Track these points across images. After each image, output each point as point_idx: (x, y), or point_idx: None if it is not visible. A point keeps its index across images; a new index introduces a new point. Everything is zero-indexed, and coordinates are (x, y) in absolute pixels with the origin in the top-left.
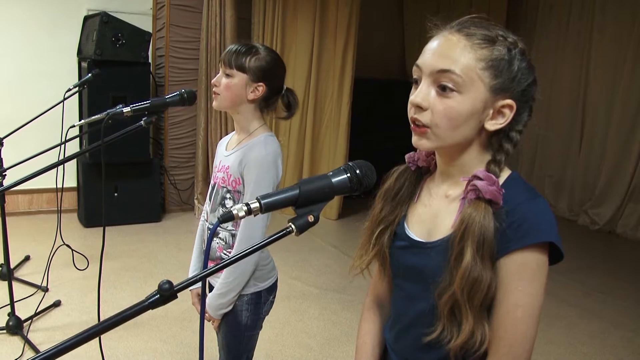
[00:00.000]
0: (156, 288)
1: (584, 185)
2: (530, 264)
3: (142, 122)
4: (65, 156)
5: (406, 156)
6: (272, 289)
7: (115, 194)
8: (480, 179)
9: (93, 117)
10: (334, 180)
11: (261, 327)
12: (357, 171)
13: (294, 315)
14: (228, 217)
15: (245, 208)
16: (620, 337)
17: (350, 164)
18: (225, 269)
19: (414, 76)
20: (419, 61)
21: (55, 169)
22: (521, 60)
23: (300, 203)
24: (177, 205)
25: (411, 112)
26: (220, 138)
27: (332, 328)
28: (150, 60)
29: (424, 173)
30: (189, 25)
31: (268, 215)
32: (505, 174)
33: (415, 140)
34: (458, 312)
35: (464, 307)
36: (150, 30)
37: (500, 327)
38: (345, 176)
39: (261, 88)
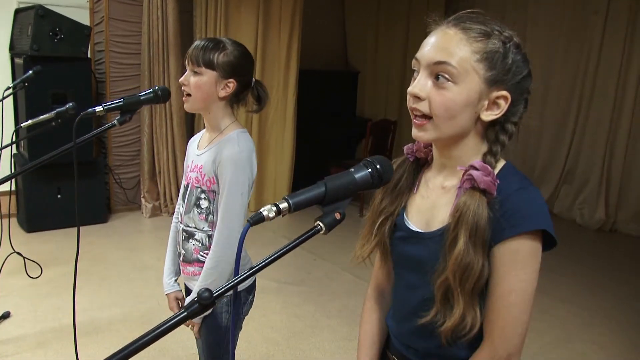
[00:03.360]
0: (110, 291)
1: (523, 170)
2: (523, 250)
3: (115, 121)
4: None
5: (405, 148)
6: (251, 288)
7: (59, 196)
8: (476, 169)
9: (41, 117)
10: (356, 176)
11: (241, 327)
12: (378, 166)
13: (257, 310)
14: (258, 219)
15: (274, 209)
16: (567, 311)
17: (369, 159)
18: (203, 272)
19: (414, 68)
20: (418, 54)
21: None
22: (516, 54)
23: (327, 201)
24: (123, 204)
25: (410, 102)
26: (166, 134)
27: (296, 321)
28: (89, 56)
29: (422, 164)
30: (129, 18)
31: (247, 208)
32: (500, 164)
33: (414, 132)
34: (451, 296)
35: (455, 292)
36: (88, 24)
37: (493, 312)
38: (367, 171)
39: (232, 84)
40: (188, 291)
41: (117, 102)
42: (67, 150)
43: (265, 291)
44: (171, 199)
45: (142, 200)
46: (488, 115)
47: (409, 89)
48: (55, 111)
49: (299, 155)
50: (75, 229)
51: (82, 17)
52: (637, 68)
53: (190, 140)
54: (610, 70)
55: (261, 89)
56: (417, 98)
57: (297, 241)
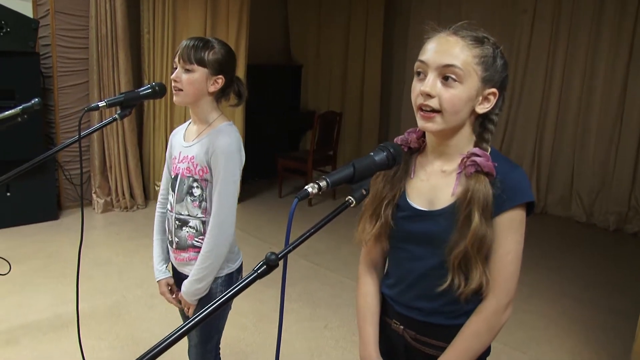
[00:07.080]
0: (72, 287)
1: None
2: (517, 218)
3: (116, 115)
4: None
5: (398, 139)
6: (240, 269)
7: (8, 194)
8: (478, 155)
9: (6, 113)
10: (376, 158)
11: (230, 307)
12: (392, 150)
13: None
14: (305, 194)
15: (316, 186)
16: None
17: (383, 145)
18: (200, 255)
19: (417, 70)
20: (424, 57)
21: None
22: (501, 58)
23: (355, 179)
24: (73, 201)
25: (419, 100)
26: (117, 129)
27: (261, 306)
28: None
29: (413, 152)
30: (76, 12)
31: (237, 196)
32: (487, 148)
33: (422, 123)
34: (465, 264)
35: (474, 259)
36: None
37: (495, 270)
38: (384, 154)
39: (220, 80)
40: (178, 276)
41: (118, 98)
42: (72, 142)
43: None
44: (123, 194)
45: (94, 195)
46: (482, 109)
47: (421, 88)
48: (21, 107)
49: (246, 149)
50: (27, 227)
51: (25, 9)
52: (561, 63)
53: (172, 133)
54: (538, 65)
55: (241, 85)
56: (428, 95)
57: (332, 215)
